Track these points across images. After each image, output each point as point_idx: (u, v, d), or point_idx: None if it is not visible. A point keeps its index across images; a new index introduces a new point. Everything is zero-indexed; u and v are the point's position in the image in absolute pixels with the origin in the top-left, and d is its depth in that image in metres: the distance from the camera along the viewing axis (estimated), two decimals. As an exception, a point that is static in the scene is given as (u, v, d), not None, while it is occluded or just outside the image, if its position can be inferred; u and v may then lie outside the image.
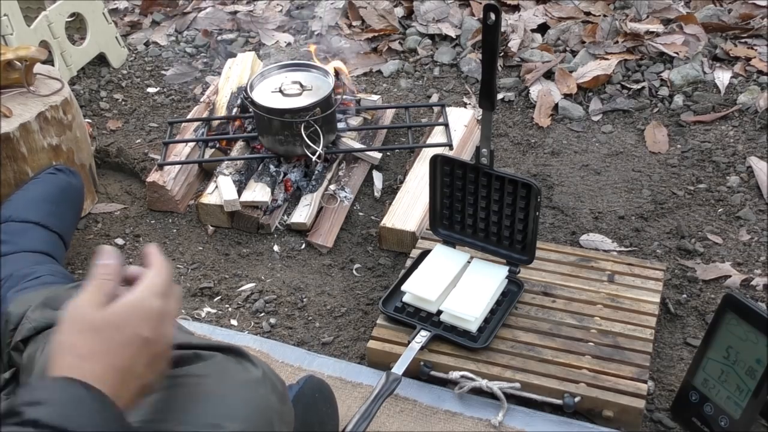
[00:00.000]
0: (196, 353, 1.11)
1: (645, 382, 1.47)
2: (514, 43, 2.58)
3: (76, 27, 2.72)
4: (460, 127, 2.18)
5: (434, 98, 2.45)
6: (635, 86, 2.38)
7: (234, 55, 2.60)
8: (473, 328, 1.54)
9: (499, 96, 2.42)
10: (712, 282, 1.78)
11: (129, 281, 0.92)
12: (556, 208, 2.02)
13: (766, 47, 2.46)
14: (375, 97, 2.35)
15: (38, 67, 2.02)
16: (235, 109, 2.24)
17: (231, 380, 1.06)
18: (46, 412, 0.76)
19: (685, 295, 1.75)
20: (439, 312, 1.58)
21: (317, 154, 2.00)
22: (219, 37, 2.85)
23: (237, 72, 2.40)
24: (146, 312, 0.87)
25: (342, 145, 2.16)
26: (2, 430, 0.75)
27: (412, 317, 1.60)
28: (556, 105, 2.36)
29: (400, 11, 2.85)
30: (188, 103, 2.54)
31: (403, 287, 1.62)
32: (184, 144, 2.20)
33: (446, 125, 2.17)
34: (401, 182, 2.06)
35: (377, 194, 2.11)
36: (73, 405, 0.78)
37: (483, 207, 1.64)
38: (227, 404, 1.01)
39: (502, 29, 2.63)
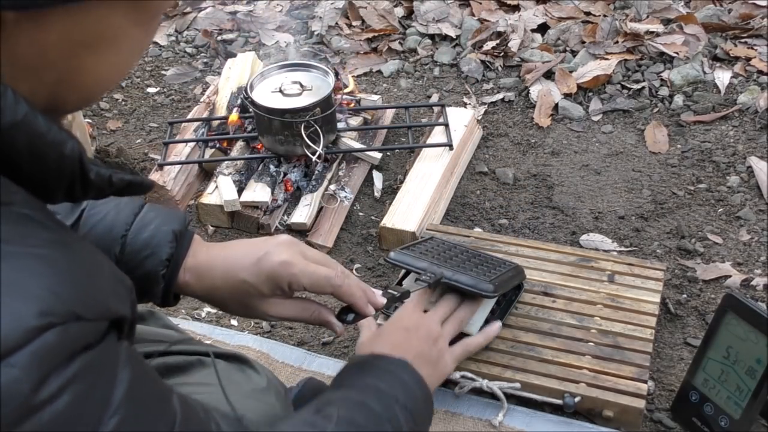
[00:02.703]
0: (199, 359, 1.11)
1: (645, 382, 1.47)
2: (514, 43, 2.58)
3: (76, 27, 2.72)
4: (460, 127, 2.18)
5: (434, 98, 2.45)
6: (635, 86, 2.38)
7: (234, 55, 2.60)
8: (473, 330, 1.53)
9: (499, 96, 2.42)
10: (712, 282, 1.78)
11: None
12: (556, 208, 2.02)
13: (766, 47, 2.46)
14: (375, 97, 2.35)
15: (38, 67, 2.02)
16: (235, 109, 2.24)
17: (236, 389, 1.06)
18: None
19: (685, 295, 1.75)
20: None
21: (317, 154, 2.00)
22: (219, 37, 2.85)
23: (237, 72, 2.40)
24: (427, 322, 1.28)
25: (342, 145, 2.16)
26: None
27: None
28: (556, 105, 2.36)
29: (400, 11, 2.85)
30: (188, 103, 2.54)
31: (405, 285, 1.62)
32: (184, 144, 2.20)
33: (446, 125, 2.17)
34: (401, 182, 2.06)
35: (377, 194, 2.11)
36: (407, 384, 1.06)
37: None
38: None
39: (503, 29, 2.63)
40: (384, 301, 1.19)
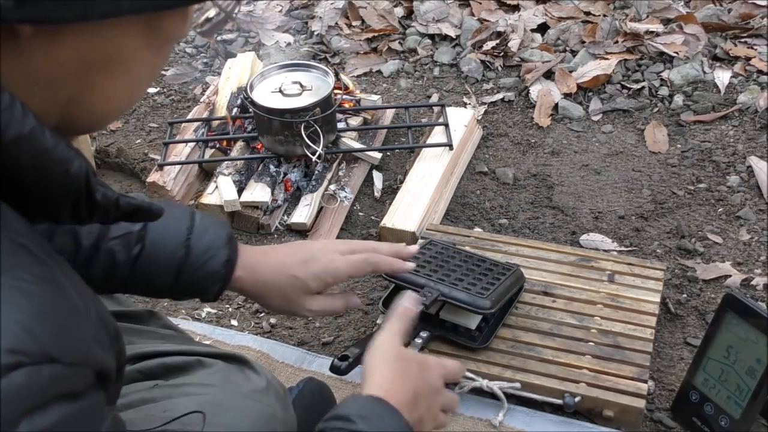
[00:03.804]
0: (198, 360, 1.11)
1: (645, 381, 1.47)
2: (514, 43, 2.58)
3: (76, 27, 2.72)
4: (460, 127, 2.18)
5: (434, 98, 2.45)
6: (635, 86, 2.38)
7: (234, 55, 2.60)
8: (473, 325, 1.53)
9: (499, 96, 2.42)
10: (712, 282, 1.78)
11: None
12: (556, 208, 2.02)
13: (766, 47, 2.46)
14: (375, 97, 2.35)
15: (38, 68, 2.02)
16: (235, 109, 2.24)
17: (235, 390, 1.06)
18: (371, 425, 0.92)
19: (685, 295, 1.75)
20: (438, 311, 1.58)
21: (317, 154, 2.00)
22: (219, 37, 2.85)
23: (237, 72, 2.40)
24: (431, 359, 1.12)
25: (342, 145, 2.16)
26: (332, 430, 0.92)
27: None
28: (556, 105, 2.36)
29: (400, 11, 2.85)
30: (188, 104, 2.54)
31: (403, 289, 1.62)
32: (184, 144, 2.20)
33: (446, 125, 2.17)
34: (401, 182, 2.06)
35: (377, 194, 2.11)
36: (385, 423, 0.93)
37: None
38: (232, 415, 1.01)
39: (503, 29, 2.63)
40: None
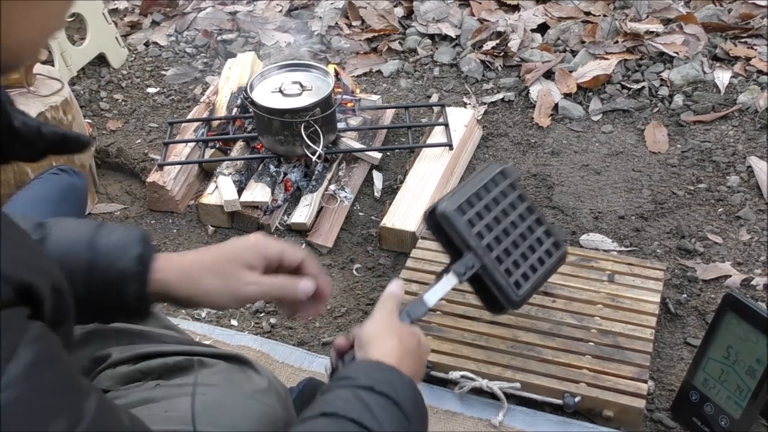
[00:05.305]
0: (200, 360, 1.11)
1: (645, 381, 1.47)
2: (514, 43, 2.58)
3: (76, 27, 2.72)
4: (460, 127, 2.18)
5: (434, 98, 2.45)
6: (635, 86, 2.38)
7: (234, 55, 2.60)
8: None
9: (499, 96, 2.42)
10: (712, 282, 1.78)
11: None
12: (556, 208, 2.02)
13: (766, 47, 2.46)
14: (375, 97, 2.35)
15: (38, 68, 2.02)
16: (235, 109, 2.24)
17: (237, 390, 1.06)
18: (378, 381, 0.92)
19: (685, 295, 1.75)
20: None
21: (317, 154, 2.00)
22: (219, 37, 2.85)
23: (237, 72, 2.40)
24: (424, 338, 1.10)
25: (342, 145, 2.16)
26: (342, 390, 0.92)
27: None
28: (556, 105, 2.36)
29: (400, 11, 2.85)
30: (188, 104, 2.54)
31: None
32: (184, 144, 2.20)
33: (446, 125, 2.17)
34: (401, 182, 2.06)
35: (377, 194, 2.11)
36: (397, 383, 0.94)
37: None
38: (234, 415, 1.01)
39: (503, 29, 2.64)
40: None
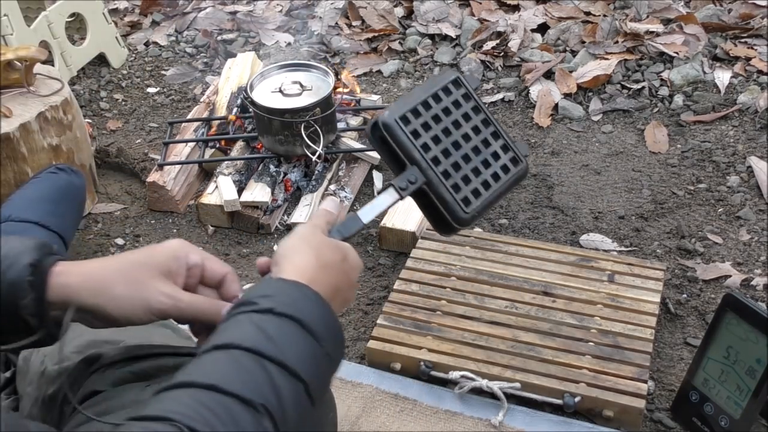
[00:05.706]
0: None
1: (645, 381, 1.47)
2: (514, 43, 2.58)
3: (76, 27, 2.72)
4: (460, 127, 2.18)
5: (434, 98, 2.45)
6: (635, 86, 2.38)
7: (234, 55, 2.60)
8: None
9: (499, 96, 2.42)
10: (712, 282, 1.78)
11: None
12: (556, 208, 2.02)
13: (766, 47, 2.46)
14: (375, 97, 2.35)
15: (38, 67, 2.02)
16: (235, 109, 2.24)
17: None
18: (280, 302, 0.85)
19: (685, 295, 1.75)
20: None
21: (317, 154, 2.00)
22: (219, 37, 2.85)
23: (237, 72, 2.40)
24: (353, 253, 1.01)
25: (342, 145, 2.16)
26: (239, 316, 0.84)
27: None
28: (556, 105, 2.36)
29: (400, 11, 2.85)
30: (188, 103, 2.54)
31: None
32: (184, 144, 2.20)
33: (446, 125, 2.17)
34: (401, 182, 2.06)
35: (377, 194, 2.11)
36: (302, 301, 0.87)
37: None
38: None
39: (503, 29, 2.64)
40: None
